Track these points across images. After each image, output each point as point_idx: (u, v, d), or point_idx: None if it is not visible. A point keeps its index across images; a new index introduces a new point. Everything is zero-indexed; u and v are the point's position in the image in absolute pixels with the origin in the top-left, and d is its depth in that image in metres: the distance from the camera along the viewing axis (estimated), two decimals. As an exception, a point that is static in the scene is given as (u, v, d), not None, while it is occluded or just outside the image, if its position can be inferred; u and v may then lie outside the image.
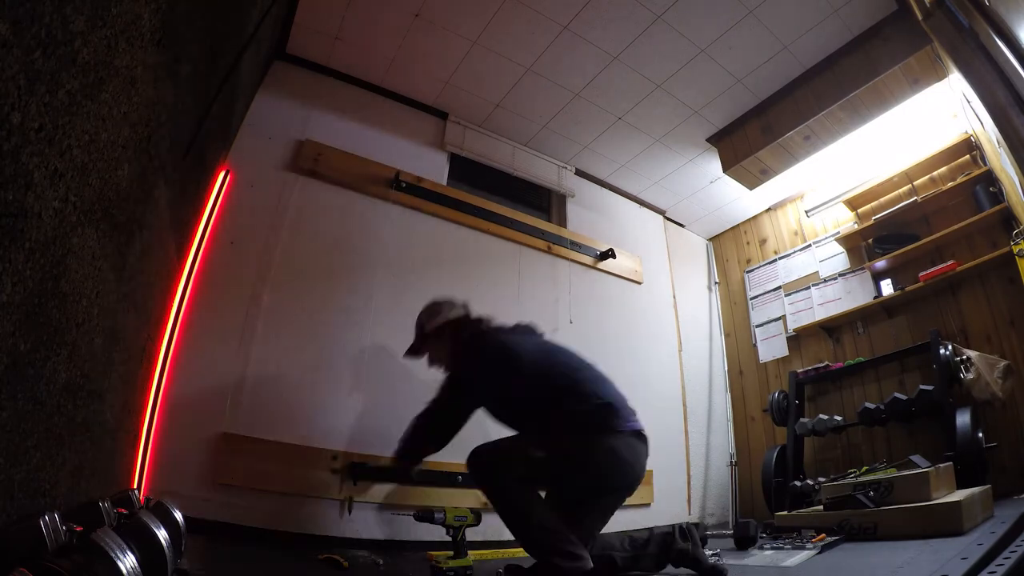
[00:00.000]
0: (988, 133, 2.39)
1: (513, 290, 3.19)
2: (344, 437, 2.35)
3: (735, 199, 4.13)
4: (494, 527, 1.99)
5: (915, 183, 3.31)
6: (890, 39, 2.71)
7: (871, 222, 3.37)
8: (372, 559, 1.98)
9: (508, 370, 1.73)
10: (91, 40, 0.81)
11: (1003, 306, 2.78)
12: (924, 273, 3.02)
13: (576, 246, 3.58)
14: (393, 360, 2.59)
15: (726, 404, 4.09)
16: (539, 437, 1.68)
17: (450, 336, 1.93)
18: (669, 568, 1.70)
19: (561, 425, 1.67)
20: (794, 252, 3.98)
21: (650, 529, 1.78)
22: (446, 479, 2.50)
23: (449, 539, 1.88)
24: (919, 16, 2.29)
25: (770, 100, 3.21)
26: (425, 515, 1.81)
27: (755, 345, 4.03)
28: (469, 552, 1.88)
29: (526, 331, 2.04)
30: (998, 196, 2.79)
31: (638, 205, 4.21)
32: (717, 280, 4.53)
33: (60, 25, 0.72)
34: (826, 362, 3.41)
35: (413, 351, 2.01)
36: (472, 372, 1.81)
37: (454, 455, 2.60)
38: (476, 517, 1.91)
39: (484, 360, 1.79)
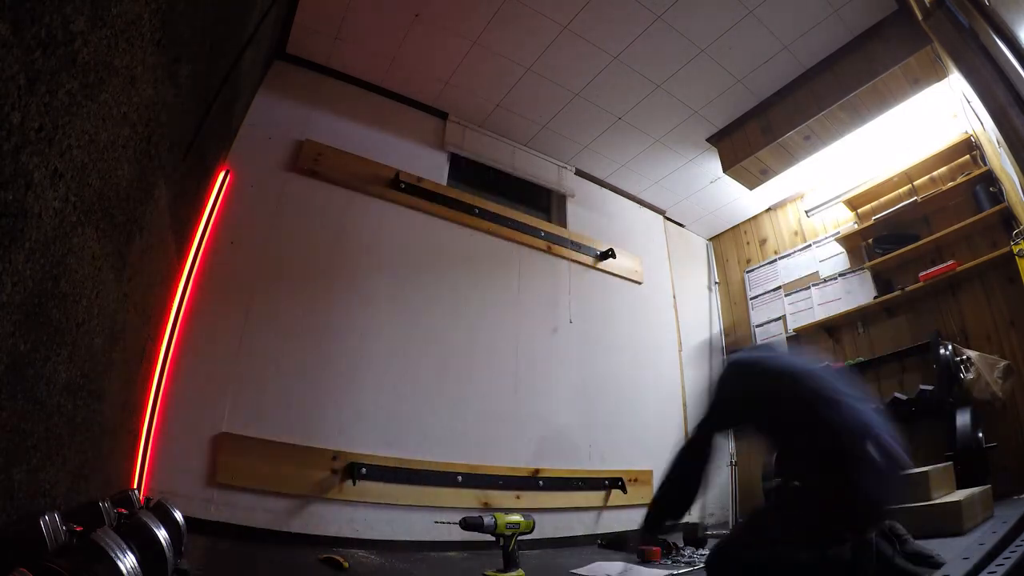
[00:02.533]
0: (988, 133, 2.39)
1: (513, 290, 3.19)
2: (344, 437, 2.35)
3: (735, 199, 4.13)
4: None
5: (915, 183, 3.31)
6: (890, 39, 2.70)
7: (871, 222, 3.37)
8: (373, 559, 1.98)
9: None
10: (91, 40, 0.81)
11: (1003, 306, 2.78)
12: (924, 273, 3.02)
13: (576, 246, 3.58)
14: (393, 360, 2.59)
15: (726, 404, 4.08)
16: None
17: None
18: None
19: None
20: (794, 252, 3.98)
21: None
22: (447, 479, 2.50)
23: (445, 540, 1.83)
24: (919, 16, 2.29)
25: (770, 100, 3.21)
26: (473, 523, 1.61)
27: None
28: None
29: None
30: (998, 196, 2.79)
31: (638, 205, 4.21)
32: (717, 280, 4.52)
33: (60, 25, 0.72)
34: (826, 362, 3.41)
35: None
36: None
37: (454, 455, 2.61)
38: (529, 523, 1.73)
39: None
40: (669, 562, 2.06)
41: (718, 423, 1.55)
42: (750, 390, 1.50)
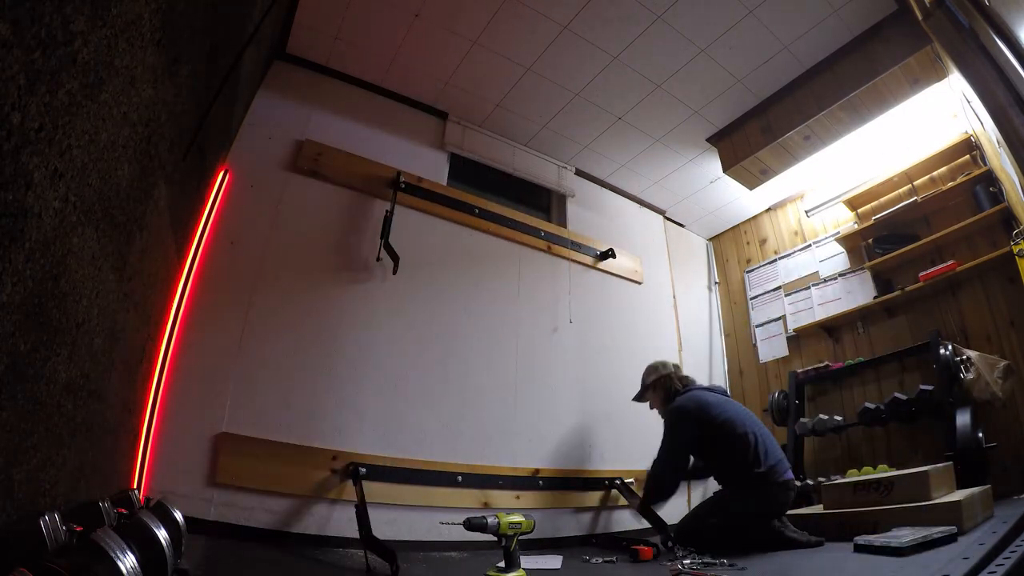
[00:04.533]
0: (988, 133, 2.39)
1: (513, 290, 3.19)
2: (344, 437, 2.35)
3: (735, 199, 4.13)
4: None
5: (915, 183, 3.31)
6: (890, 39, 2.70)
7: (871, 222, 3.37)
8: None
9: (701, 417, 2.37)
10: (91, 40, 0.81)
11: (1003, 306, 2.78)
12: (924, 273, 3.01)
13: (576, 246, 3.58)
14: (393, 360, 2.59)
15: (726, 404, 4.08)
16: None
17: (662, 387, 2.64)
18: None
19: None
20: (794, 252, 3.98)
21: None
22: (447, 479, 2.50)
23: (445, 539, 1.83)
24: (919, 16, 2.29)
25: (770, 100, 3.21)
26: (476, 523, 1.64)
27: (755, 345, 4.03)
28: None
29: (714, 389, 2.67)
30: (998, 196, 2.79)
31: (638, 205, 4.21)
32: (717, 280, 4.53)
33: (60, 25, 0.72)
34: (826, 362, 3.41)
35: (638, 397, 2.79)
36: (675, 418, 2.44)
37: (454, 455, 2.62)
38: (530, 523, 1.76)
39: (684, 409, 2.43)
40: (665, 562, 2.05)
41: (666, 453, 2.44)
42: (696, 433, 2.37)
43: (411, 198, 2.95)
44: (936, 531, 1.63)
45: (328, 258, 2.63)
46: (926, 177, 3.27)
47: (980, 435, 2.41)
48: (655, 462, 2.48)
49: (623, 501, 2.98)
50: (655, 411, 2.73)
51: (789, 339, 3.81)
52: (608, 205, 4.02)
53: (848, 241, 3.57)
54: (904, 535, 1.64)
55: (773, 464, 2.24)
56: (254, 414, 2.19)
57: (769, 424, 3.60)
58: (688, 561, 1.97)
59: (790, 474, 2.29)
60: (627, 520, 2.99)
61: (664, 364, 2.72)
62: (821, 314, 3.60)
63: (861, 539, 1.74)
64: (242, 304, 2.33)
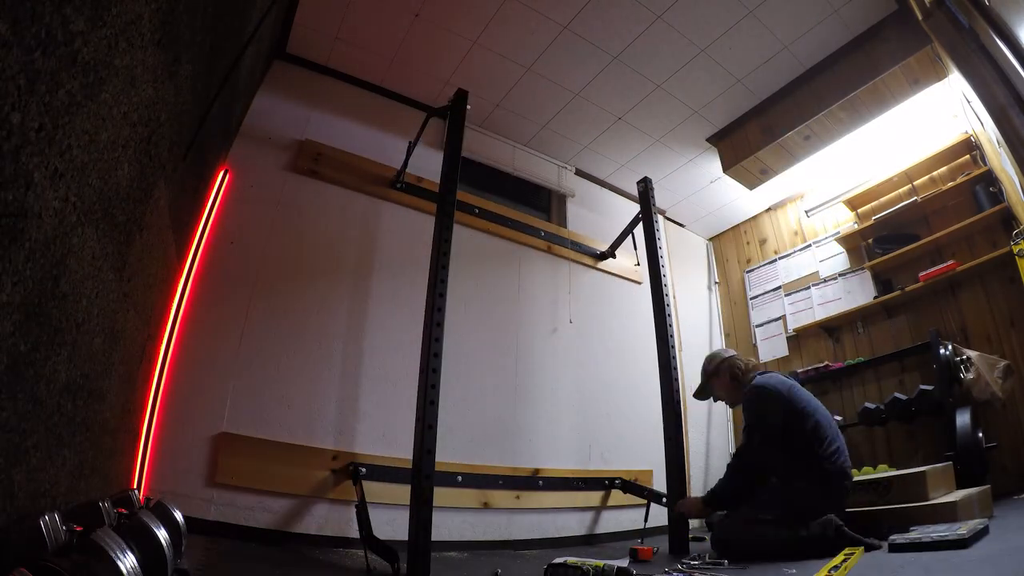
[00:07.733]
0: (988, 133, 2.39)
1: (513, 290, 3.19)
2: (344, 437, 2.35)
3: (735, 199, 4.13)
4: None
5: (915, 183, 3.31)
6: (890, 39, 2.70)
7: (871, 222, 3.37)
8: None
9: (790, 400, 2.03)
10: (91, 40, 0.81)
11: (1003, 306, 2.78)
12: (924, 273, 3.02)
13: (576, 246, 3.58)
14: (393, 359, 2.59)
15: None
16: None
17: (727, 372, 2.27)
18: None
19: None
20: (794, 252, 3.98)
21: None
22: (447, 479, 2.50)
23: (445, 540, 1.84)
24: (919, 16, 2.29)
25: (770, 100, 3.21)
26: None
27: (755, 345, 4.03)
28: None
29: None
30: (998, 196, 2.79)
31: (638, 205, 4.20)
32: (717, 280, 4.53)
33: (60, 25, 0.72)
34: (826, 362, 3.41)
35: (700, 391, 2.47)
36: (762, 398, 2.07)
37: (454, 455, 2.61)
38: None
39: (772, 387, 2.07)
40: (680, 564, 2.04)
41: (761, 439, 2.02)
42: (780, 417, 2.00)
43: (410, 198, 2.95)
44: (974, 523, 1.60)
45: (328, 258, 2.62)
46: (926, 177, 3.27)
47: (980, 435, 2.41)
48: (741, 451, 2.16)
49: (623, 501, 2.98)
50: (654, 410, 2.71)
51: (789, 339, 3.81)
52: (608, 205, 4.02)
53: (848, 241, 3.57)
54: (941, 529, 1.59)
55: (844, 455, 1.96)
56: (254, 414, 2.19)
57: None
58: (687, 561, 1.97)
59: (849, 462, 2.00)
60: (627, 520, 2.99)
61: (724, 349, 2.40)
62: (821, 314, 3.60)
63: (899, 537, 1.62)
64: (242, 304, 2.33)
